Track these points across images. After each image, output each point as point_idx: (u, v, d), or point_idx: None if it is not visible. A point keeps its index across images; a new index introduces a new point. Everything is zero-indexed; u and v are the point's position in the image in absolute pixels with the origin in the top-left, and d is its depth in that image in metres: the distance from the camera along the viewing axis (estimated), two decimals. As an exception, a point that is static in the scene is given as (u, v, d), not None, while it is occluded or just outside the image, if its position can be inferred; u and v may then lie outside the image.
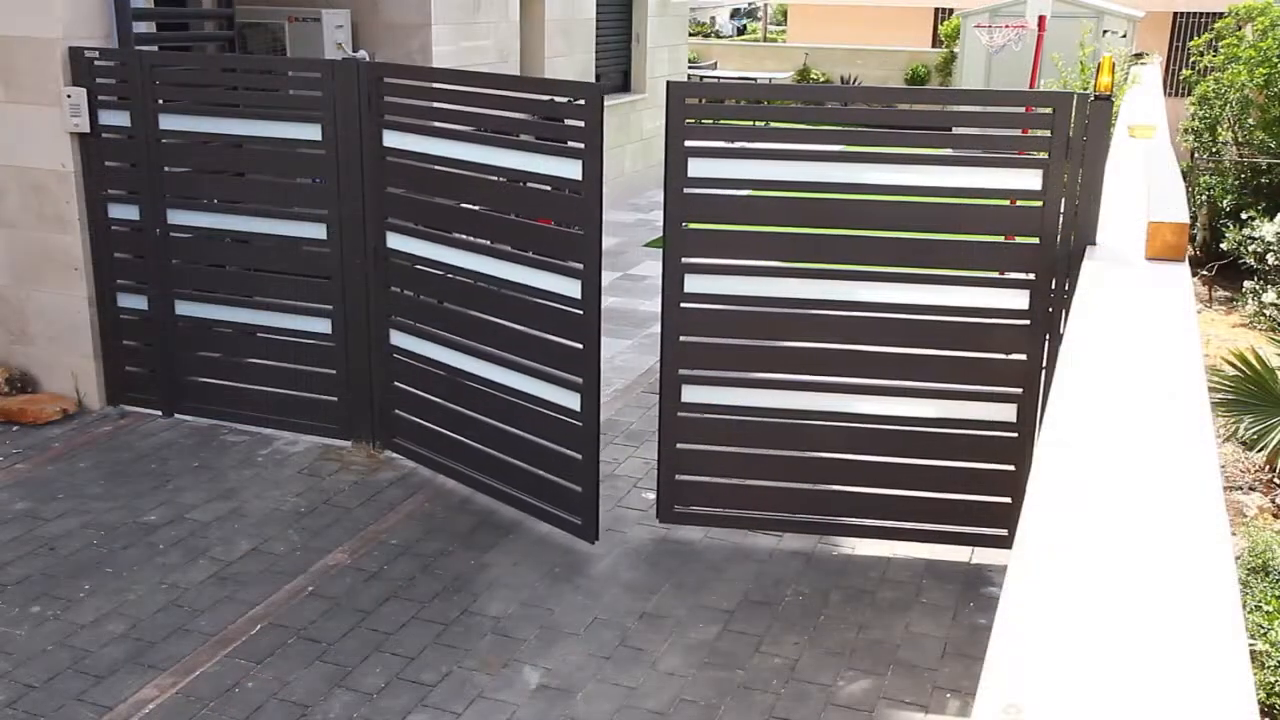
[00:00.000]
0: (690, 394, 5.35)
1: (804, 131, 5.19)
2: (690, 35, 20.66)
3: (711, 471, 5.48)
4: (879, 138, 5.11)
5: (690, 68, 17.97)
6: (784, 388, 5.29)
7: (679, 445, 5.43)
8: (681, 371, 5.33)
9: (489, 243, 5.58)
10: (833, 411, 5.28)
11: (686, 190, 5.12)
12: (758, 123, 5.70)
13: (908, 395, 5.22)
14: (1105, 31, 17.13)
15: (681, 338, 5.29)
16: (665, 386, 5.37)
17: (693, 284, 5.23)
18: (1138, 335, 3.56)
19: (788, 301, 5.19)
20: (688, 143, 5.07)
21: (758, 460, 5.40)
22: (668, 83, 5.11)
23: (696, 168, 5.10)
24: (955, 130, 5.61)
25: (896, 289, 5.11)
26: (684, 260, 5.20)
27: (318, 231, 6.18)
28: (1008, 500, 5.20)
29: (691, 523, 5.53)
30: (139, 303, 6.66)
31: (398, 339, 6.07)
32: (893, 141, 5.11)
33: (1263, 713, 4.08)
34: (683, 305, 5.25)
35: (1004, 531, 5.24)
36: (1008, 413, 5.15)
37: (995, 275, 5.26)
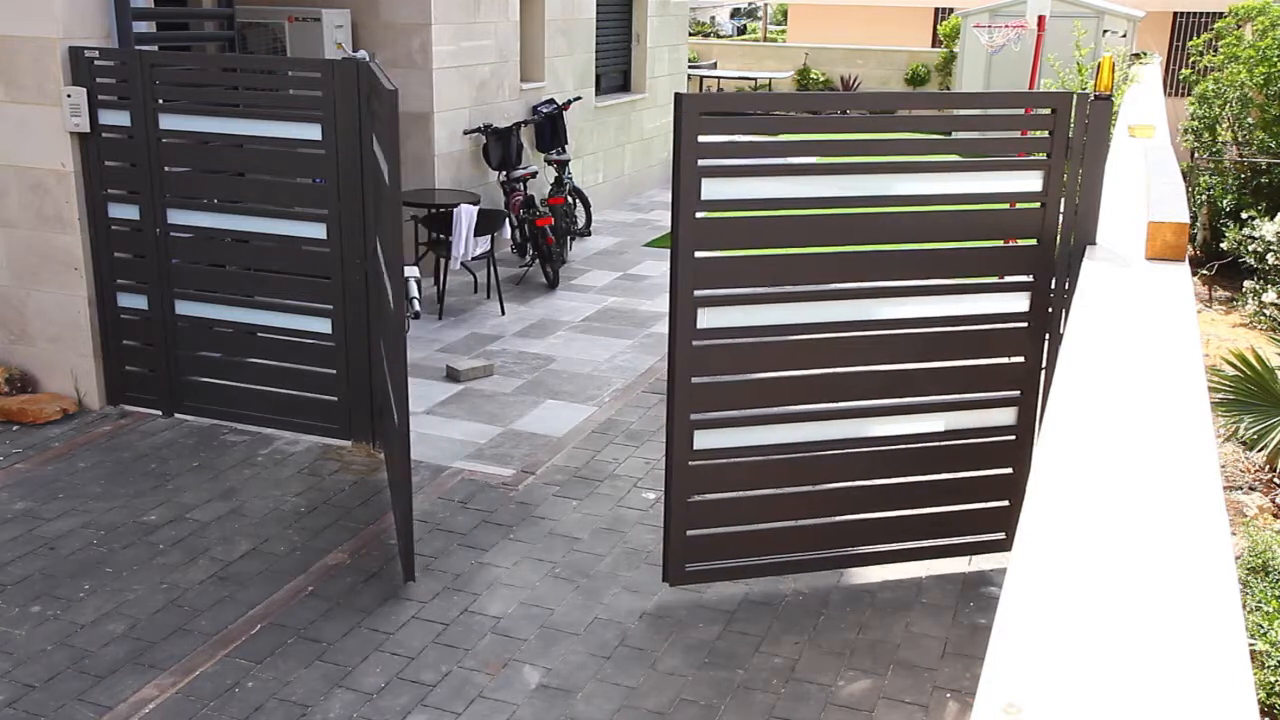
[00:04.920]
0: (703, 439, 4.87)
1: (823, 143, 4.81)
2: (690, 35, 20.67)
3: (725, 521, 5.04)
4: (897, 146, 4.83)
5: (690, 67, 17.97)
6: (804, 420, 4.93)
7: (691, 498, 4.93)
8: (693, 416, 4.82)
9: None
10: (848, 438, 5.00)
11: (700, 215, 4.58)
12: (776, 135, 5.35)
13: (919, 410, 5.05)
14: (1105, 31, 17.14)
15: (694, 379, 4.77)
16: (675, 435, 4.80)
17: (706, 319, 4.71)
18: (1138, 335, 3.56)
19: (807, 327, 4.83)
20: (701, 162, 4.53)
21: (773, 501, 5.03)
22: (677, 95, 4.51)
23: (711, 189, 4.58)
24: (955, 134, 5.55)
25: (911, 303, 4.92)
26: (697, 293, 4.66)
27: (318, 231, 6.18)
28: (1006, 503, 5.19)
29: (705, 580, 5.08)
30: (139, 302, 6.66)
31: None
32: (907, 149, 4.84)
33: (1263, 713, 4.08)
34: (695, 344, 4.71)
35: (1002, 535, 5.24)
36: (1007, 415, 5.13)
37: (999, 279, 5.22)
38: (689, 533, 4.99)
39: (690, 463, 4.88)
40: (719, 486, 4.99)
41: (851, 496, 5.12)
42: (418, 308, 6.14)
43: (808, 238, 4.79)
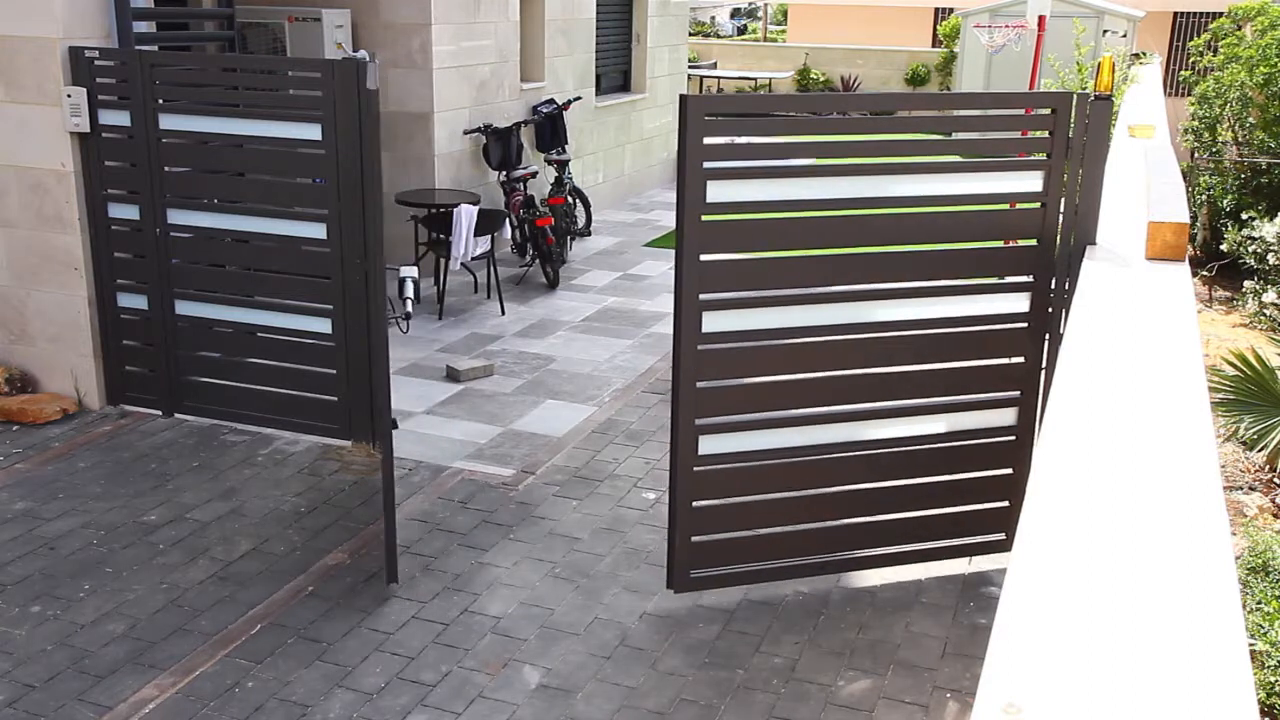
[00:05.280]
0: (707, 444, 4.81)
1: (829, 144, 4.79)
2: (690, 35, 20.66)
3: (730, 526, 4.99)
4: (902, 148, 4.80)
5: (690, 67, 17.96)
6: (809, 423, 4.90)
7: (696, 503, 4.88)
8: (698, 421, 4.76)
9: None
10: (852, 441, 4.98)
11: (705, 217, 4.52)
12: (781, 137, 5.28)
13: (921, 412, 5.03)
14: (1105, 31, 17.14)
15: (699, 384, 4.71)
16: (679, 439, 4.75)
17: (711, 322, 4.67)
18: (1138, 336, 3.56)
19: (812, 330, 4.80)
20: (707, 164, 4.48)
21: (778, 505, 5.00)
22: (682, 96, 4.43)
23: (717, 191, 4.54)
24: (956, 135, 5.54)
25: (912, 304, 4.90)
26: (702, 297, 4.62)
27: (318, 231, 6.18)
28: (1006, 504, 5.19)
29: (709, 586, 5.03)
30: (139, 302, 6.66)
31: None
32: (911, 150, 4.81)
33: (1263, 713, 4.08)
34: (700, 348, 4.67)
35: (1002, 535, 5.23)
36: (1007, 416, 5.13)
37: (1001, 280, 5.21)
38: (693, 538, 4.95)
39: (695, 468, 4.83)
40: (723, 491, 4.93)
41: (855, 499, 5.10)
42: (410, 308, 6.14)
43: (812, 240, 4.76)
